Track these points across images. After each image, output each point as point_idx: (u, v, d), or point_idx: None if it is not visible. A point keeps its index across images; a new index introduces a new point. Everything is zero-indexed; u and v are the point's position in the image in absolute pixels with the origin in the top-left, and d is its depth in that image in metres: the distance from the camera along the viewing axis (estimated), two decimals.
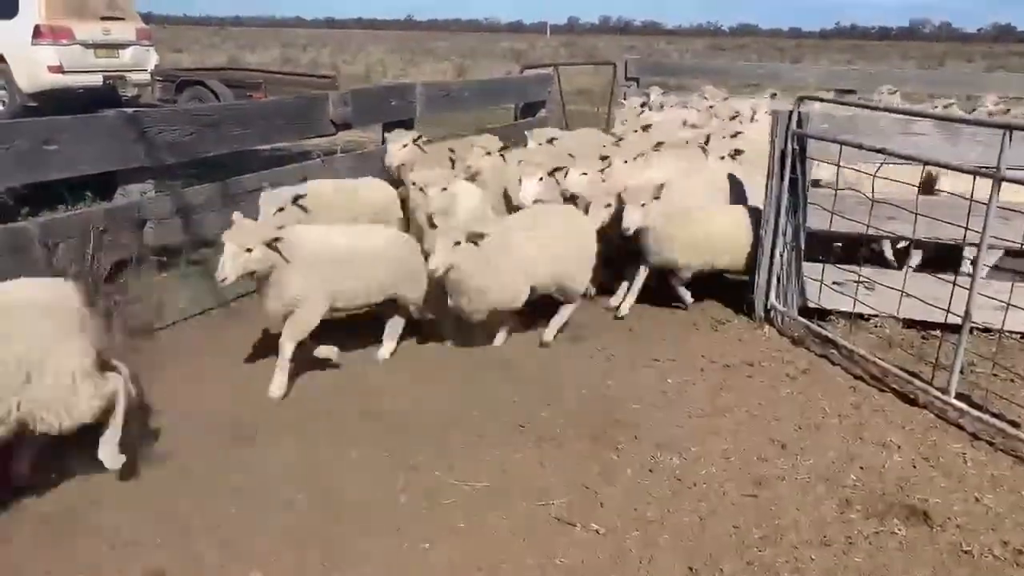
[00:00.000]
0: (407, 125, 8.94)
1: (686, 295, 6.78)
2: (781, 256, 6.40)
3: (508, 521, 4.02)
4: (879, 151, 5.52)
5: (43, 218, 5.59)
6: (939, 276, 5.76)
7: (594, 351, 6.08)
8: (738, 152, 7.70)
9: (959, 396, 5.02)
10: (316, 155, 8.57)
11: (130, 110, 5.86)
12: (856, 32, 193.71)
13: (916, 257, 7.13)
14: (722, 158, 7.65)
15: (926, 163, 5.38)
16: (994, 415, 4.86)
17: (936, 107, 10.10)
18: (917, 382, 5.27)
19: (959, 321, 5.03)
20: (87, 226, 5.27)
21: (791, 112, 6.18)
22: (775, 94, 11.78)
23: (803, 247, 6.37)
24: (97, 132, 5.56)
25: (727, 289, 7.04)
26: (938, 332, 5.69)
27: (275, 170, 7.25)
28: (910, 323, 6.16)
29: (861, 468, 4.48)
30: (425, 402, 5.16)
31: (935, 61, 48.23)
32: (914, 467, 4.51)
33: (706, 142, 7.98)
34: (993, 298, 5.26)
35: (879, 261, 7.36)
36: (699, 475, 4.43)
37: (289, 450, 4.59)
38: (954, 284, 5.24)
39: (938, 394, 5.08)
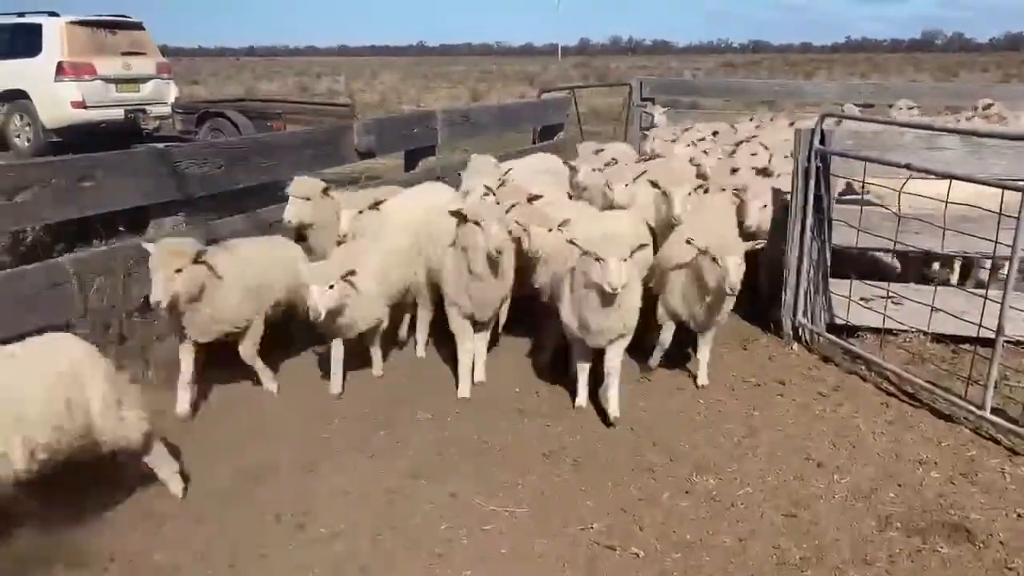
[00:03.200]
0: (429, 152, 9.05)
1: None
2: (807, 273, 6.40)
3: (549, 546, 4.02)
4: (904, 167, 5.54)
5: (77, 254, 5.66)
6: (968, 290, 5.75)
7: (624, 374, 6.07)
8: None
9: (994, 411, 4.98)
10: (341, 184, 8.66)
11: (161, 145, 5.97)
12: (867, 45, 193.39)
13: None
14: None
15: (952, 178, 5.37)
16: None
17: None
18: (951, 397, 5.24)
19: (991, 335, 5.02)
20: (120, 260, 5.35)
21: (814, 129, 6.20)
22: (772, 118, 11.74)
23: (828, 263, 6.37)
24: (130, 168, 5.66)
25: (754, 307, 7.04)
26: (967, 346, 5.67)
27: None
28: (938, 338, 6.13)
29: (899, 485, 4.46)
30: (460, 431, 5.18)
31: (949, 73, 48.12)
32: (953, 484, 4.48)
33: None
34: None
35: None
36: (737, 496, 4.42)
37: (326, 479, 4.62)
38: (985, 298, 5.22)
39: (973, 409, 5.05)
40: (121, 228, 6.46)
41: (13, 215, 4.97)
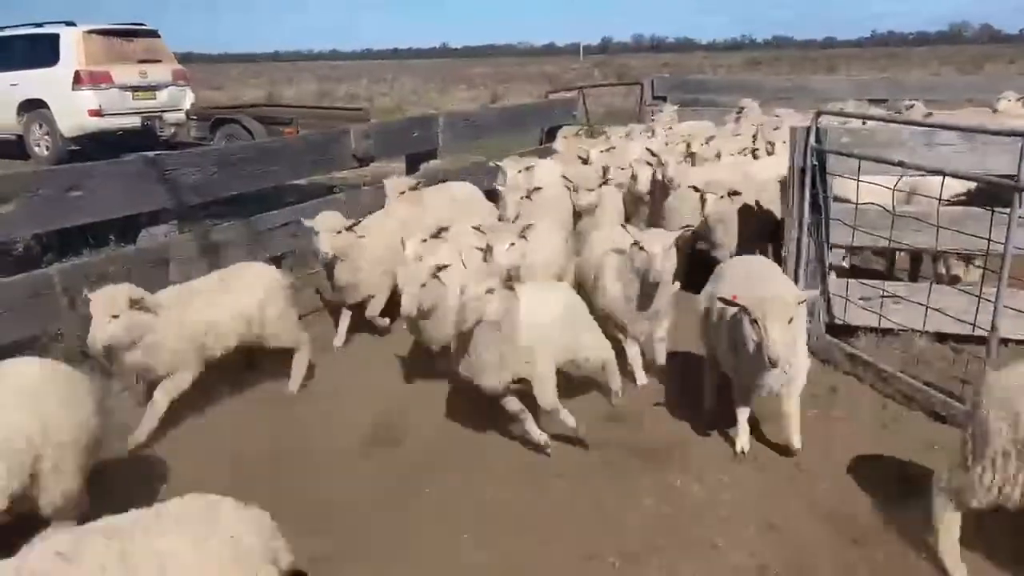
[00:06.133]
0: (430, 156, 9.04)
1: None
2: (806, 273, 6.31)
3: (528, 550, 3.99)
4: (898, 164, 5.44)
5: (66, 263, 5.70)
6: (963, 289, 5.65)
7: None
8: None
9: None
10: (340, 188, 8.68)
11: (151, 153, 5.98)
12: (893, 39, 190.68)
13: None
14: None
15: (945, 174, 5.28)
16: None
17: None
18: (946, 399, 5.14)
19: (986, 334, 4.92)
20: (110, 270, 5.37)
21: (809, 127, 6.11)
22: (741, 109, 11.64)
23: (827, 263, 6.28)
24: (120, 177, 5.69)
25: None
26: (966, 345, 5.55)
27: (297, 206, 7.32)
28: (942, 337, 6.01)
29: (887, 491, 4.37)
30: (445, 438, 5.12)
31: (975, 66, 47.30)
32: None
33: None
34: (1020, 310, 5.14)
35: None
36: (722, 502, 4.37)
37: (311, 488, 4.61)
38: (979, 296, 5.12)
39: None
40: (112, 237, 6.52)
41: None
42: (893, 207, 5.62)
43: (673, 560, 3.91)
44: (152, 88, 16.17)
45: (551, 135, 12.27)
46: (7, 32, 16.32)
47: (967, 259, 6.50)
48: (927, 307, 5.62)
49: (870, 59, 61.17)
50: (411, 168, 9.03)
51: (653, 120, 11.51)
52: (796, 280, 6.30)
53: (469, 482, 4.64)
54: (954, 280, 6.69)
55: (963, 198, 6.28)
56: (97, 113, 15.23)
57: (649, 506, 4.36)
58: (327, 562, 3.84)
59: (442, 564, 3.94)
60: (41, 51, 15.36)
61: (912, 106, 10.22)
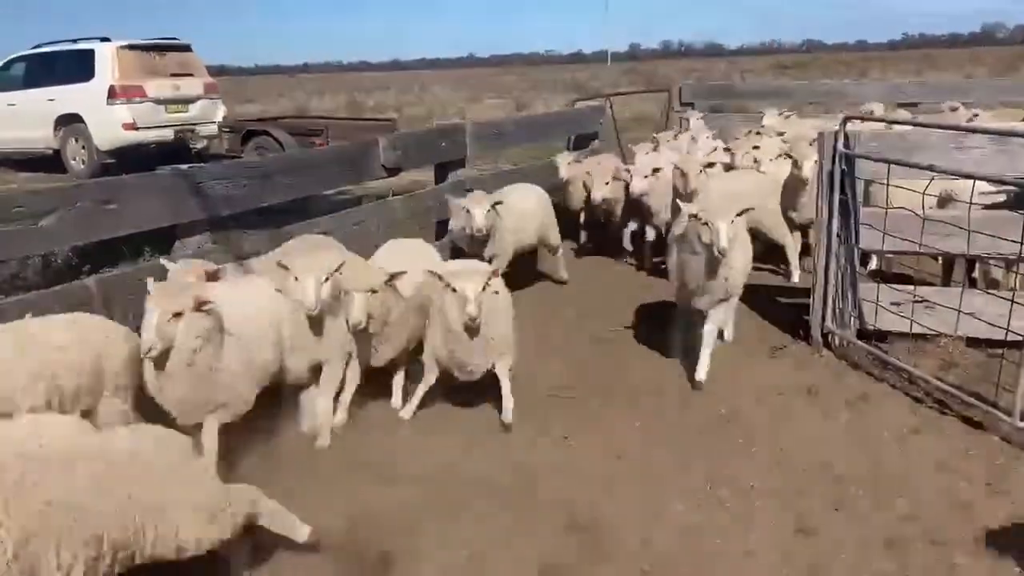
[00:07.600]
0: (458, 165, 9.07)
1: None
2: (836, 278, 6.28)
3: (550, 556, 4.00)
4: (927, 168, 5.40)
5: (103, 274, 5.82)
6: (995, 293, 5.59)
7: (639, 381, 6.02)
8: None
9: None
10: (369, 198, 8.74)
11: (185, 166, 6.07)
12: (925, 41, 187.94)
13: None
14: None
15: (976, 178, 5.23)
16: None
17: None
18: (980, 404, 5.08)
19: (1020, 338, 4.87)
20: (145, 281, 5.44)
21: (837, 132, 6.09)
22: (782, 112, 11.56)
23: (857, 267, 6.25)
24: (154, 190, 5.78)
25: (784, 314, 6.93)
26: (1003, 350, 5.49)
27: (329, 216, 7.40)
28: (976, 342, 5.94)
29: (920, 497, 4.35)
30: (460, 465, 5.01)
31: (1009, 67, 46.51)
32: (977, 494, 4.35)
33: None
34: None
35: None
36: (751, 507, 4.35)
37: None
38: (1012, 301, 5.06)
39: (1003, 416, 4.90)
40: (146, 248, 6.63)
41: (39, 239, 5.12)
42: (923, 210, 5.56)
43: (705, 564, 3.91)
44: (185, 101, 16.45)
45: (579, 144, 12.31)
46: (44, 49, 16.71)
47: (1008, 264, 6.41)
48: (959, 312, 5.56)
49: (902, 62, 60.39)
50: (440, 178, 9.07)
51: (678, 129, 11.47)
52: (826, 284, 6.28)
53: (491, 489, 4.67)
54: (992, 285, 6.60)
55: (1002, 199, 6.19)
56: (132, 127, 15.52)
57: (679, 512, 4.35)
58: None
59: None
60: (77, 67, 15.73)
61: (956, 108, 10.03)
